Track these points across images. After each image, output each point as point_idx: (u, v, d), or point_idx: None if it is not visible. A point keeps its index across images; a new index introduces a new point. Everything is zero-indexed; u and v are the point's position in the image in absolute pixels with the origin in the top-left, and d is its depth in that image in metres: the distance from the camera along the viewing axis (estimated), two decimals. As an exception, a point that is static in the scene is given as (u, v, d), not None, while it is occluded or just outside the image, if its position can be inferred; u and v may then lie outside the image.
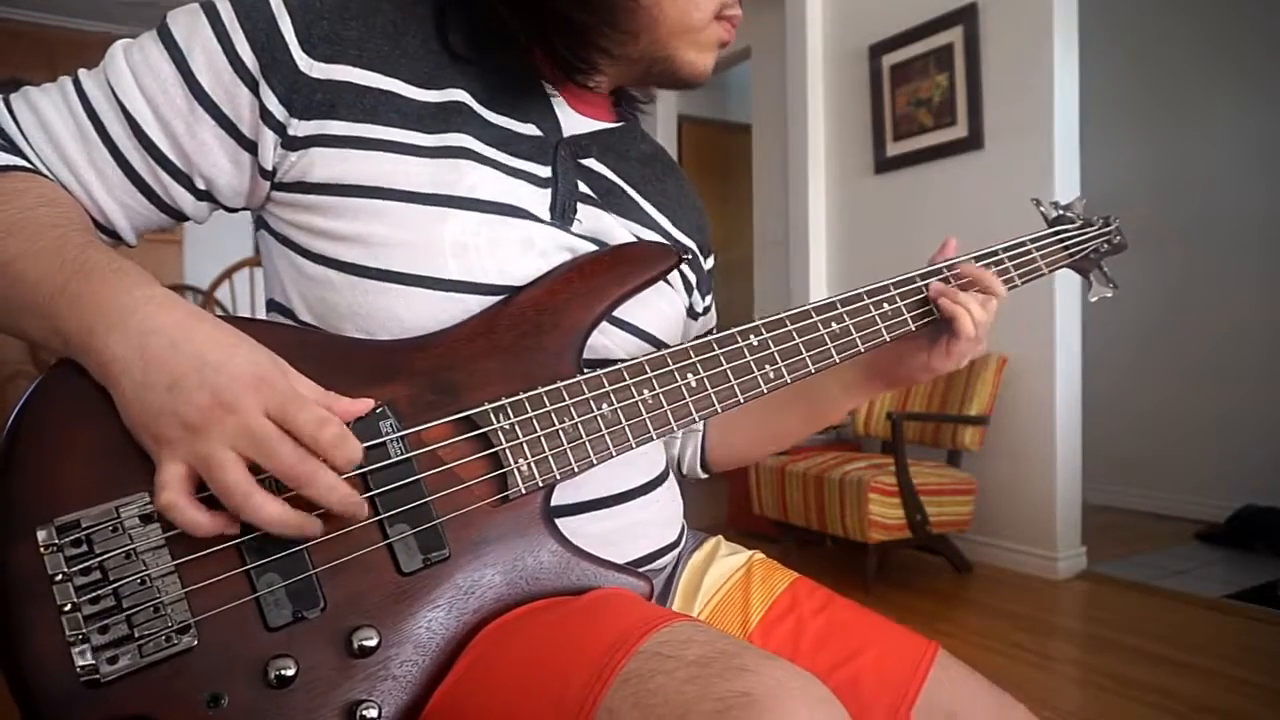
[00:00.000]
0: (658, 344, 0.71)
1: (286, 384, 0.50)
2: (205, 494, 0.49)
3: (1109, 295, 0.90)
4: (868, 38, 3.34)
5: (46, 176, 0.58)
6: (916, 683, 0.67)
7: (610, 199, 0.72)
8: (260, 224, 0.66)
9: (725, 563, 0.78)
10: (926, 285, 0.76)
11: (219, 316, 0.53)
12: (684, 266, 0.78)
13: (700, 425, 0.88)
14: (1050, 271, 0.85)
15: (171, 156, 0.60)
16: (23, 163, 0.57)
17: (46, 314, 0.51)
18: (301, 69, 0.59)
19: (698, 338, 0.68)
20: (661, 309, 0.72)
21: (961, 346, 0.76)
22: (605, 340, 0.67)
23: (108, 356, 0.49)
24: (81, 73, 0.60)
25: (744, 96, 4.62)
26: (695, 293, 0.83)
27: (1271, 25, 3.35)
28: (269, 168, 0.61)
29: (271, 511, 0.48)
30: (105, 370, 0.49)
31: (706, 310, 0.89)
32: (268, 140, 0.59)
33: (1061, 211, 0.90)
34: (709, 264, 0.87)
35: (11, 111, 0.58)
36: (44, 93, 0.59)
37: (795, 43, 3.58)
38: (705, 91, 5.08)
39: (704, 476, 0.90)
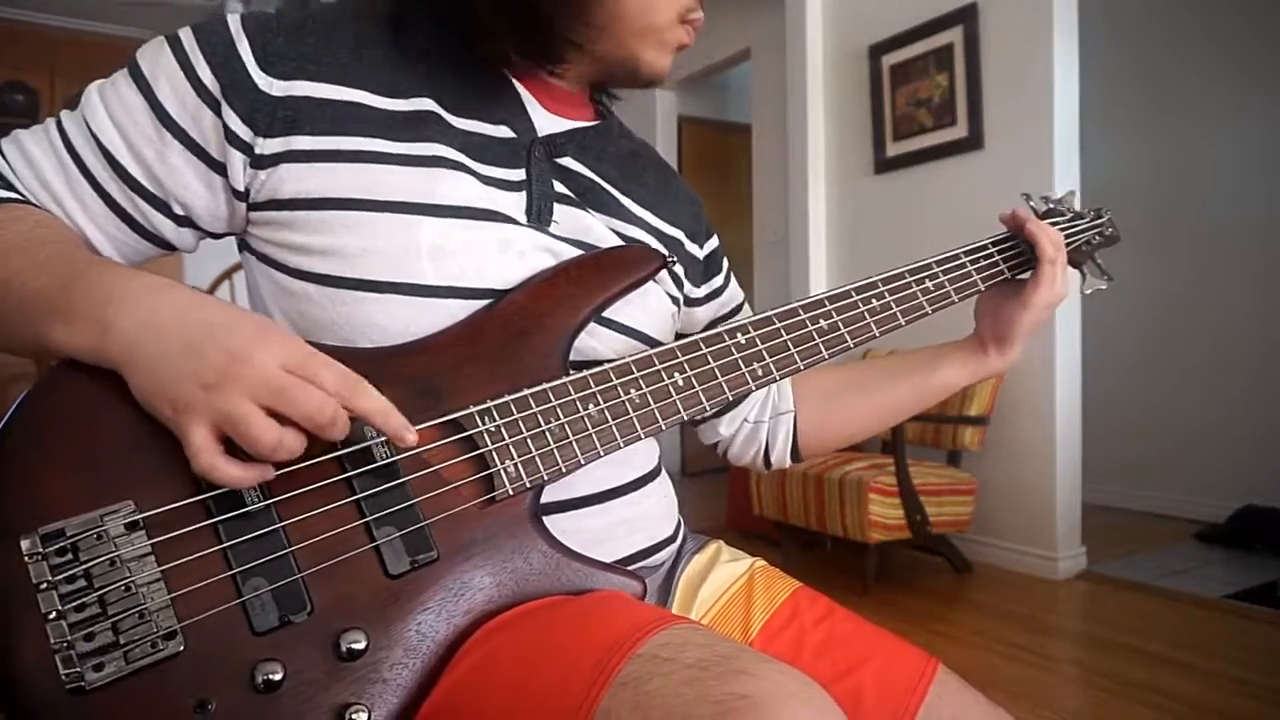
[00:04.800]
0: (645, 340, 0.71)
1: (299, 340, 0.52)
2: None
3: (1103, 287, 0.90)
4: (868, 38, 3.33)
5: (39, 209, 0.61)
6: (916, 699, 0.67)
7: (590, 197, 0.72)
8: (242, 245, 0.67)
9: (727, 569, 0.78)
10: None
11: None
12: None
13: (788, 413, 0.88)
14: None
15: (145, 183, 0.61)
16: (17, 196, 0.60)
17: (51, 312, 0.52)
18: (261, 88, 0.60)
19: (705, 328, 0.68)
20: (648, 305, 0.72)
21: (1043, 270, 0.78)
22: (593, 341, 0.67)
23: (120, 334, 0.50)
24: (63, 113, 0.62)
25: (744, 96, 4.61)
26: (686, 284, 0.82)
27: (1271, 25, 3.34)
28: (241, 188, 0.62)
29: (302, 449, 0.50)
30: (118, 349, 0.50)
31: (714, 295, 0.87)
32: (236, 161, 0.60)
33: (1052, 205, 0.90)
34: (712, 244, 0.87)
35: (2, 153, 0.61)
36: (30, 134, 0.62)
37: (795, 43, 3.57)
38: (705, 91, 5.09)
39: (789, 465, 0.90)
